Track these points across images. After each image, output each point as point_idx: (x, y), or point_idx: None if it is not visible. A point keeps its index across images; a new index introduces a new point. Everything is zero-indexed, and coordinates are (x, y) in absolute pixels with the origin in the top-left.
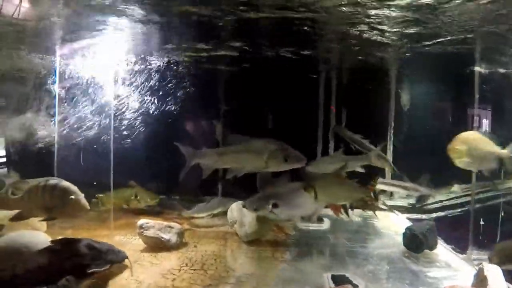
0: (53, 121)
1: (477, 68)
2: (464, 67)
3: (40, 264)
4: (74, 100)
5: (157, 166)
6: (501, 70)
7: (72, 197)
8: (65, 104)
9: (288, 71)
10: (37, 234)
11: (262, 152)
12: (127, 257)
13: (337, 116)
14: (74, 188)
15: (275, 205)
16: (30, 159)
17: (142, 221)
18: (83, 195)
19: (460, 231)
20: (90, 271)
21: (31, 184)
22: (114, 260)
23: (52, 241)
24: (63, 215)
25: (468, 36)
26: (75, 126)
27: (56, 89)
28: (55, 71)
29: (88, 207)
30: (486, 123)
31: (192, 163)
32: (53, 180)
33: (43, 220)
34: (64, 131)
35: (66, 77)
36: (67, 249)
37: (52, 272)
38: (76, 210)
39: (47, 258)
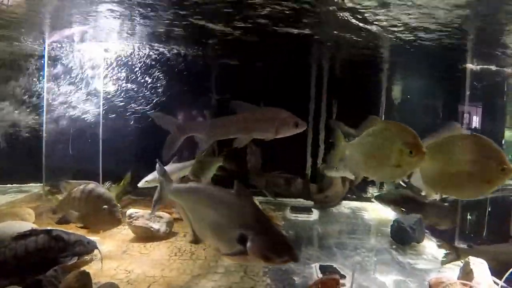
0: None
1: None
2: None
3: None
4: (61, 86)
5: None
6: None
7: (106, 207)
8: (53, 91)
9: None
10: (24, 225)
11: (274, 119)
12: (96, 248)
13: (328, 107)
14: (108, 196)
15: None
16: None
17: (131, 210)
18: (118, 205)
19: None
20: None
21: (72, 186)
22: (83, 252)
23: (18, 233)
24: (95, 224)
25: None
26: (63, 112)
27: (45, 75)
28: (44, 57)
29: (121, 220)
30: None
31: (184, 136)
32: (91, 185)
33: (81, 228)
34: (52, 118)
35: (55, 63)
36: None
37: (22, 262)
38: (108, 222)
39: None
